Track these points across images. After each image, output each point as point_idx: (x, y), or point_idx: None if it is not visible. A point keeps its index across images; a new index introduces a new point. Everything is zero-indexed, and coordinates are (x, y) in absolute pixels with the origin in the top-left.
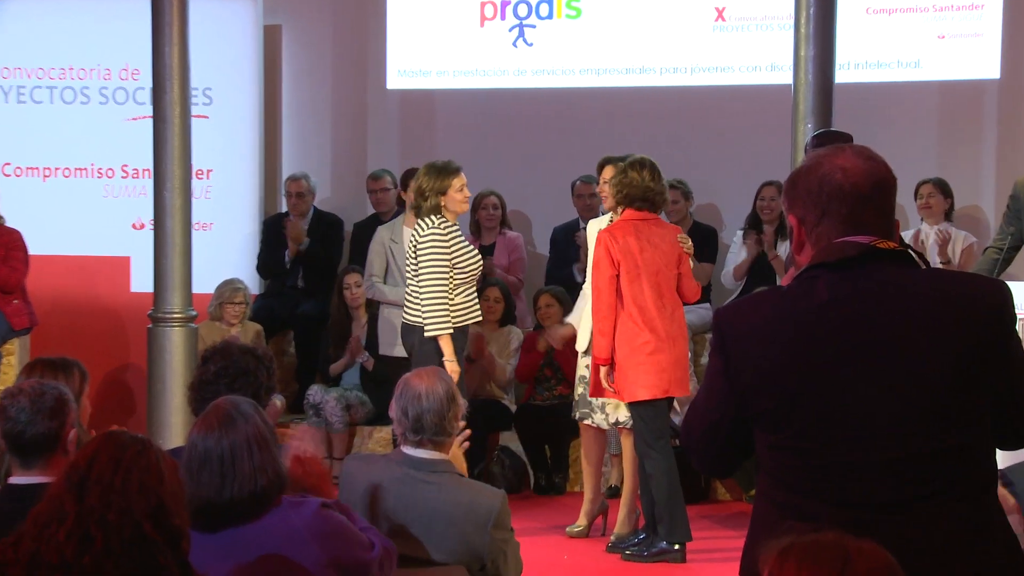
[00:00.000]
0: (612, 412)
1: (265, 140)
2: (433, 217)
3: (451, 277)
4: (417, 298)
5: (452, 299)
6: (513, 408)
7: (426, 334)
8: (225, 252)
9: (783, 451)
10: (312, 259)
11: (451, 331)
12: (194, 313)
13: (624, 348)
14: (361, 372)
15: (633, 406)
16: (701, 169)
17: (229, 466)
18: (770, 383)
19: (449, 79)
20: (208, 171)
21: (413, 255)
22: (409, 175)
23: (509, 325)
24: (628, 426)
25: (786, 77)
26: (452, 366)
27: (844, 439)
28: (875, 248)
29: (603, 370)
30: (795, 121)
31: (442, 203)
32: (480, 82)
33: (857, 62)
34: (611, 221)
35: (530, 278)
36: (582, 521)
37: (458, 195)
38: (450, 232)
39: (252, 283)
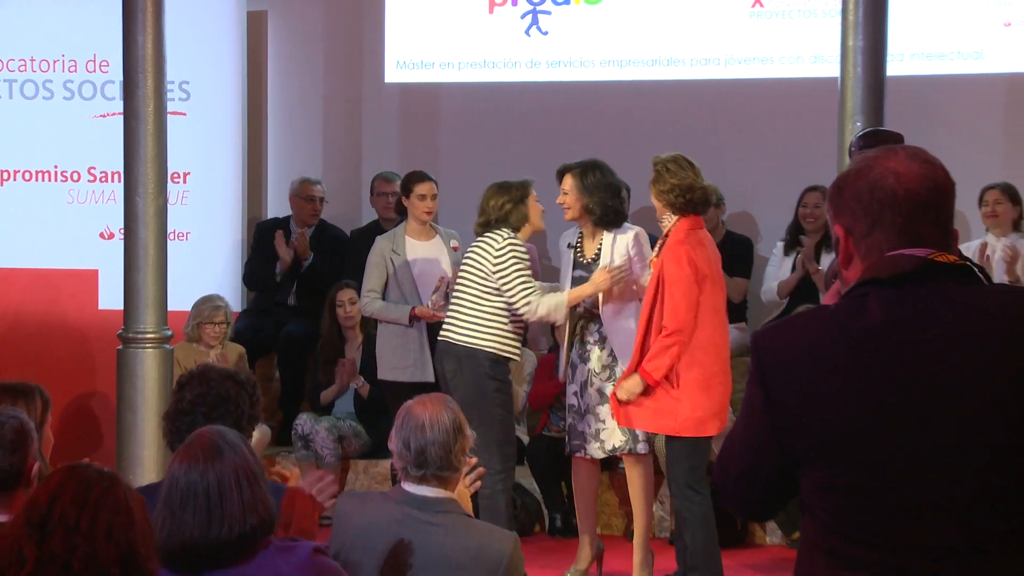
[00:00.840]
0: (608, 438)
1: (249, 140)
2: (505, 231)
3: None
4: (477, 317)
5: (505, 325)
6: (525, 440)
7: (558, 321)
8: (204, 265)
9: (832, 492)
10: (313, 277)
11: (565, 301)
12: (169, 333)
13: (696, 375)
14: (355, 400)
15: (679, 441)
16: (735, 173)
17: (216, 503)
18: (817, 416)
19: (455, 72)
20: (185, 174)
21: (478, 268)
22: (412, 179)
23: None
24: (626, 451)
25: (832, 70)
26: (597, 280)
27: (902, 478)
28: (933, 262)
29: (640, 383)
30: (842, 119)
31: (526, 214)
32: (489, 75)
33: (912, 52)
34: (580, 235)
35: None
36: (580, 565)
37: (538, 206)
38: (523, 250)
39: (234, 299)
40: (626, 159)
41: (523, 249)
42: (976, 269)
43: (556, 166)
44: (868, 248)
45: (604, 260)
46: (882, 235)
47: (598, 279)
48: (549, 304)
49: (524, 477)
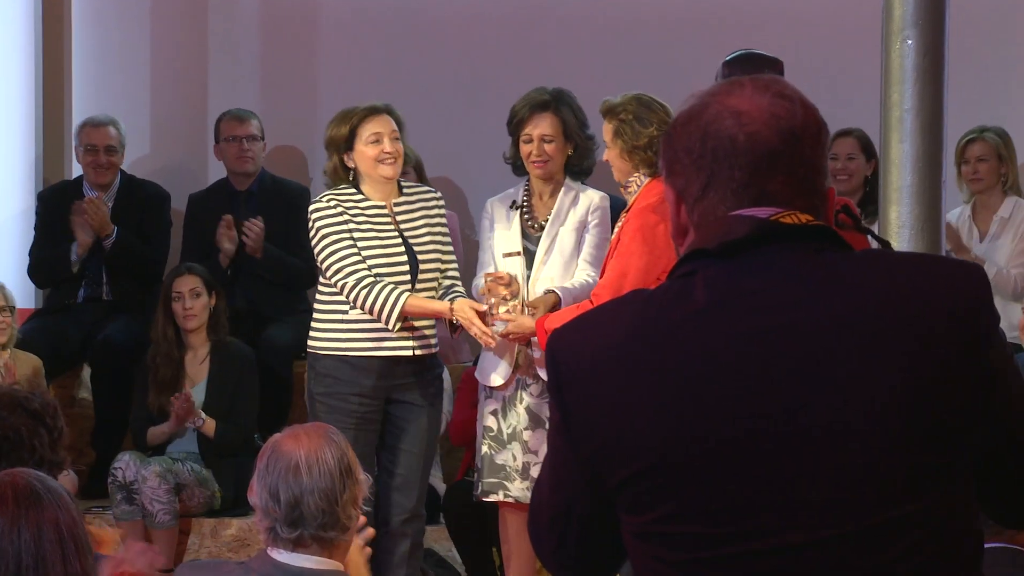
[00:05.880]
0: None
1: (45, 63)
2: (337, 190)
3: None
4: (317, 310)
5: (345, 314)
6: (442, 489)
7: (388, 323)
8: None
9: (655, 539)
10: (124, 256)
11: (401, 305)
12: None
13: None
14: (200, 434)
15: None
16: None
17: (31, 571)
18: (629, 439)
19: None
20: None
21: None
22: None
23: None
24: None
25: None
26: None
27: (746, 517)
28: (776, 224)
29: None
30: (886, 34)
31: (349, 164)
32: None
33: None
34: (527, 191)
35: (467, 280)
36: None
37: (369, 150)
38: (339, 204)
39: (23, 292)
40: (578, 90)
41: (332, 210)
42: (876, 237)
43: (483, 101)
44: (702, 215)
45: (567, 227)
46: (718, 196)
47: (523, 323)
48: (379, 298)
49: (440, 540)
